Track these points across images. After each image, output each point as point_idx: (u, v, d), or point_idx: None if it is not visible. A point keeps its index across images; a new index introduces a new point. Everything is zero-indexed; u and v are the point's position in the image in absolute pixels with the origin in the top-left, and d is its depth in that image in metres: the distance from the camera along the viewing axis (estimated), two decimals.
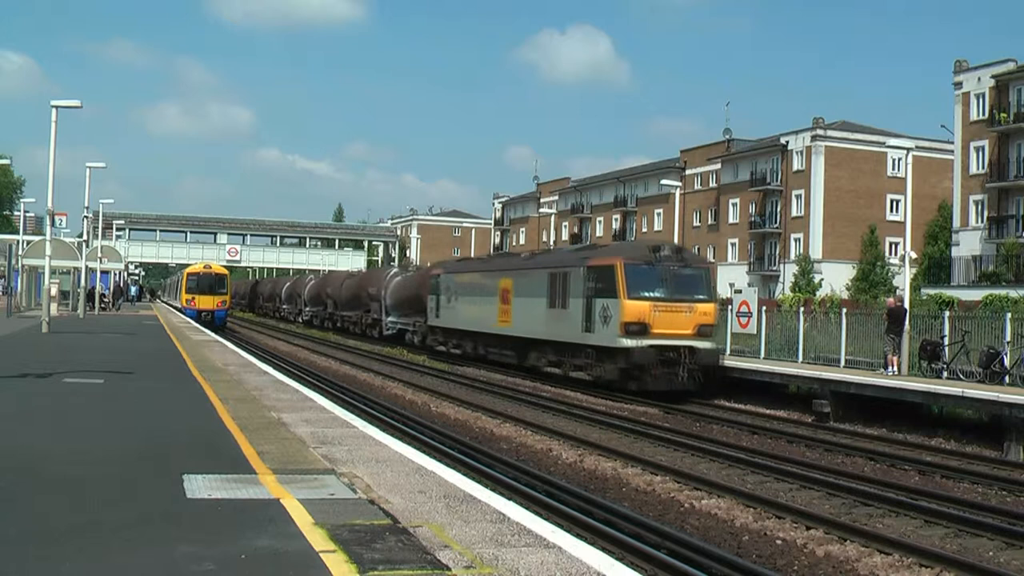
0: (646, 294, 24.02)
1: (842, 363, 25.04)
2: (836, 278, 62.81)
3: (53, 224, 37.58)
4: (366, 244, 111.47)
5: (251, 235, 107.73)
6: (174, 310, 62.08)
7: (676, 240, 38.19)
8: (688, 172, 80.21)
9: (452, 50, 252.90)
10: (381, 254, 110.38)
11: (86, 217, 48.82)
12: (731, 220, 75.74)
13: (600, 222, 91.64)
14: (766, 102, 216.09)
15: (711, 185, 78.41)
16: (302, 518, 6.65)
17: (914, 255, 29.21)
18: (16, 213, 77.99)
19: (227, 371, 18.58)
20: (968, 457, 16.63)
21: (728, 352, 27.58)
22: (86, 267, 47.08)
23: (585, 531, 9.93)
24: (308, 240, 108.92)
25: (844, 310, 27.55)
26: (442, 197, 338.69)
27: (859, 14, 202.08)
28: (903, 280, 27.38)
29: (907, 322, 23.58)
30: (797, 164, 70.14)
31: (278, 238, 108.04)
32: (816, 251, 68.00)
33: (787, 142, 71.27)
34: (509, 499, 8.39)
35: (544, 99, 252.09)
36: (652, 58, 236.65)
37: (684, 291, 24.43)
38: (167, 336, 30.48)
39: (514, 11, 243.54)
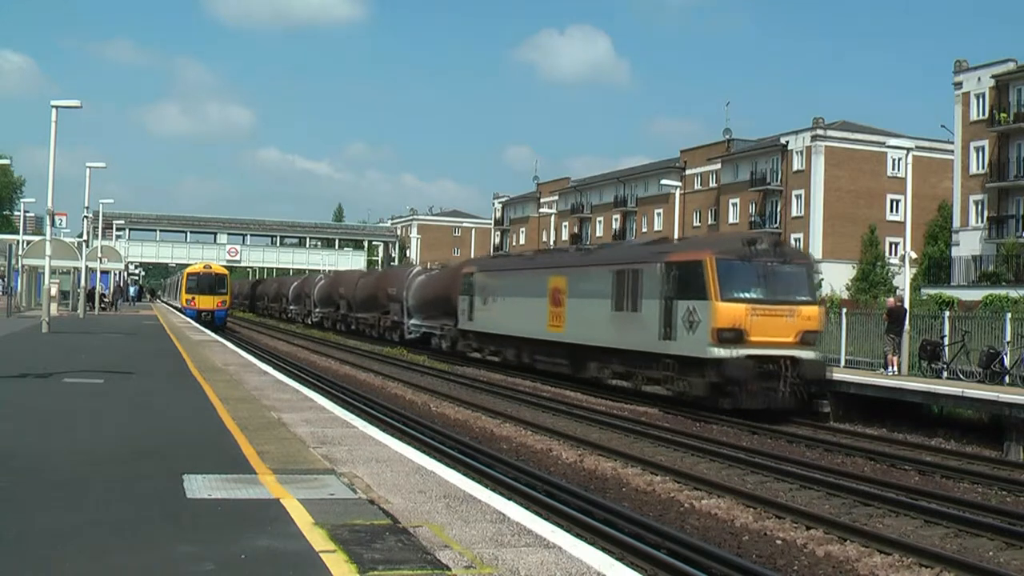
0: (742, 295, 20.67)
1: (842, 363, 25.05)
2: (836, 278, 62.70)
3: (53, 224, 37.54)
4: (366, 244, 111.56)
5: (251, 235, 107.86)
6: (174, 310, 62.07)
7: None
8: (688, 172, 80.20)
9: (452, 50, 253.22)
10: (381, 254, 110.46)
11: (86, 217, 48.83)
12: (731, 220, 75.68)
13: (600, 222, 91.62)
14: (766, 102, 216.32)
15: (711, 185, 78.40)
16: (302, 518, 6.65)
17: (914, 255, 29.25)
18: (16, 213, 77.97)
19: (227, 371, 18.59)
20: (968, 457, 16.62)
21: None
22: (86, 267, 47.12)
23: (585, 531, 9.91)
24: (308, 240, 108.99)
25: (844, 310, 27.55)
26: (442, 197, 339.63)
27: (859, 14, 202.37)
28: (903, 280, 27.40)
29: (907, 322, 23.61)
30: (797, 164, 70.14)
31: (278, 238, 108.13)
32: (816, 251, 67.81)
33: (787, 142, 71.26)
34: (509, 499, 8.40)
35: (544, 99, 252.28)
36: (652, 58, 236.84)
37: (785, 291, 21.14)
38: (167, 336, 30.48)
39: (514, 11, 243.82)
